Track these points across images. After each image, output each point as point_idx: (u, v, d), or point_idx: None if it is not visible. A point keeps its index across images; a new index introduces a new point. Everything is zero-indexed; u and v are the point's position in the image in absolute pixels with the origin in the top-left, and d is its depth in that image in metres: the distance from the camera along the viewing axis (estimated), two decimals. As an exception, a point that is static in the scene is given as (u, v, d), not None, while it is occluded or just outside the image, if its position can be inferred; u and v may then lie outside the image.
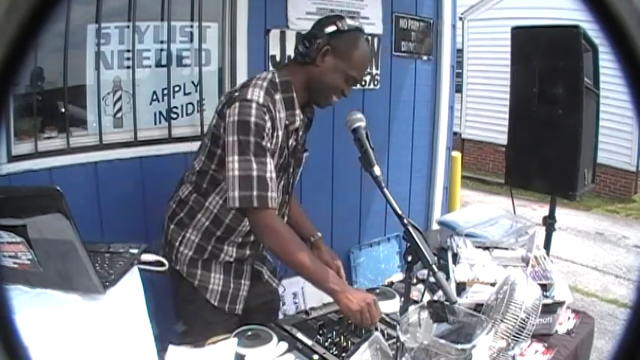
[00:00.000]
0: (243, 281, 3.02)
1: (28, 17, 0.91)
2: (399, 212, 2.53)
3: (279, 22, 4.66)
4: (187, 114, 4.21)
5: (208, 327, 2.78)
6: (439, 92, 6.20)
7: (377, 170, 2.59)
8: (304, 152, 3.10)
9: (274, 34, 4.63)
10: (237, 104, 2.61)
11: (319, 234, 3.31)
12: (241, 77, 4.33)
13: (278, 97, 2.75)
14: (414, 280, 3.06)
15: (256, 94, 2.63)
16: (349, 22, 2.81)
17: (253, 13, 4.40)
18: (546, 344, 2.99)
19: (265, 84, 2.72)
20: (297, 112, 2.83)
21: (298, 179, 3.19)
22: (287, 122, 2.80)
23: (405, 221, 2.49)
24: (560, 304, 3.10)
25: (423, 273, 3.12)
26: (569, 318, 3.34)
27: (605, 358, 6.03)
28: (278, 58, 4.67)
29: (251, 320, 2.87)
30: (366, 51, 2.93)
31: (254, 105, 2.59)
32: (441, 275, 2.48)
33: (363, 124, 2.72)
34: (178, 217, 2.97)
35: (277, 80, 2.78)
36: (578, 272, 9.51)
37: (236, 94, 2.69)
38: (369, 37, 3.22)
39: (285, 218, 3.18)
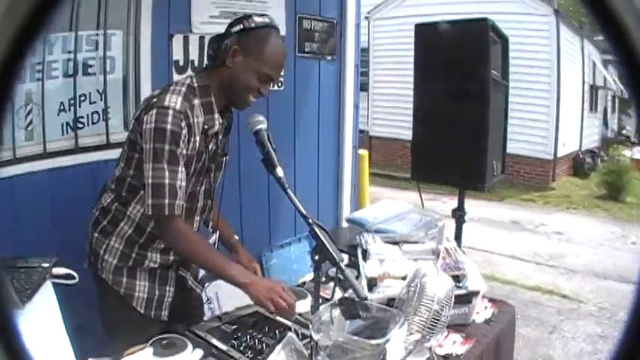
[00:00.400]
0: (168, 288, 3.05)
1: (28, 17, 0.91)
2: (304, 212, 2.60)
3: (183, 27, 4.68)
4: (93, 123, 4.19)
5: (135, 335, 2.78)
6: (343, 91, 6.30)
7: (280, 172, 2.67)
8: (224, 156, 3.14)
9: (177, 39, 4.65)
10: (154, 111, 2.64)
11: (236, 237, 3.40)
12: (145, 84, 4.34)
13: (197, 102, 2.78)
14: (323, 279, 3.14)
15: (174, 101, 2.67)
16: (257, 19, 2.82)
17: (157, 18, 4.40)
18: (464, 334, 3.07)
19: (184, 89, 2.75)
20: (216, 116, 2.86)
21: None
22: (206, 127, 2.83)
23: (310, 221, 2.57)
24: (475, 293, 3.18)
25: (334, 271, 3.20)
26: (486, 307, 3.43)
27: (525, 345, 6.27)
28: (181, 63, 4.70)
29: (177, 327, 2.90)
30: (279, 47, 2.92)
31: (171, 112, 2.63)
32: (349, 272, 2.57)
33: (264, 126, 2.78)
34: (102, 226, 2.97)
35: (195, 85, 2.81)
36: (495, 261, 9.71)
37: (154, 100, 2.72)
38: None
39: (210, 222, 3.26)
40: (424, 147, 5.03)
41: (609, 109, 29.60)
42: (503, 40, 5.18)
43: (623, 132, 35.00)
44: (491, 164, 4.83)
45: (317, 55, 6.00)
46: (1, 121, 0.95)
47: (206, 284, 3.52)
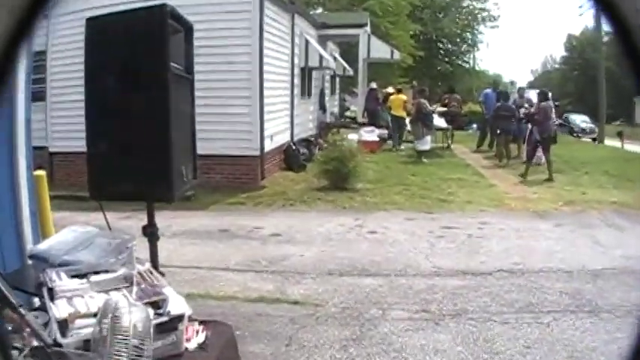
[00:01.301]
0: None
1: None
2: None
3: None
4: None
5: None
6: (15, 105, 5.97)
7: None
8: None
9: None
10: None
11: None
12: None
13: None
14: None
15: None
16: None
17: None
18: (180, 365, 3.04)
19: None
20: None
21: None
22: None
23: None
24: (179, 318, 3.22)
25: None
26: (197, 331, 3.47)
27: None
28: None
29: None
30: None
31: None
32: (33, 317, 2.62)
33: None
34: None
35: None
36: (206, 277, 9.53)
37: None
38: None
39: None
40: (101, 159, 4.79)
41: (327, 91, 29.98)
42: (187, 28, 5.10)
43: (347, 114, 35.67)
44: (180, 170, 4.78)
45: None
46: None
47: None
